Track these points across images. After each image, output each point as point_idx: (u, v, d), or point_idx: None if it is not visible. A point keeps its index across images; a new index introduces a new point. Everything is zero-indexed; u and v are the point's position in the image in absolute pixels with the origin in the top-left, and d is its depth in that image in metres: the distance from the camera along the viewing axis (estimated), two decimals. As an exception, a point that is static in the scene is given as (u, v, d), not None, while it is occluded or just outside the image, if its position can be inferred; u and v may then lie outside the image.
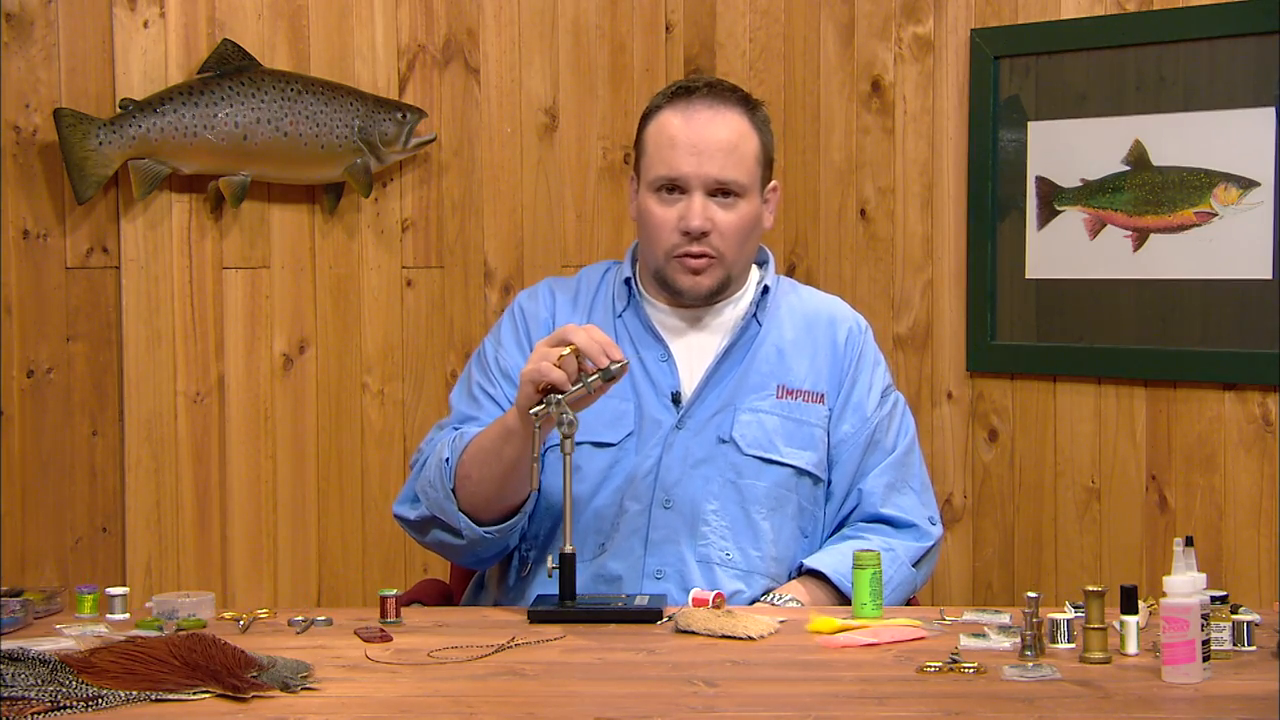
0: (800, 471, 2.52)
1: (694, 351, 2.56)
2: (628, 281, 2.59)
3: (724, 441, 2.50)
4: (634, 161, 2.60)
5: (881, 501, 2.54)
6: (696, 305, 2.56)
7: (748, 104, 2.54)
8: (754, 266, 2.63)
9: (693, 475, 2.49)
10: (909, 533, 2.54)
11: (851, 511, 2.56)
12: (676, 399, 2.52)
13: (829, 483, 2.56)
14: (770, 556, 2.49)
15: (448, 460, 2.45)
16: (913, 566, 2.51)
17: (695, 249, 2.48)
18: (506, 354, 2.58)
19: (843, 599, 2.42)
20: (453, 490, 2.43)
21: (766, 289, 2.58)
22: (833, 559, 2.47)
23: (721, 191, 2.48)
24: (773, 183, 2.58)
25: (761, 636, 2.12)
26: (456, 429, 2.55)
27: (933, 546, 2.56)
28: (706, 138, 2.48)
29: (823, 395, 2.56)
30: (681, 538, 2.47)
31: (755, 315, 2.57)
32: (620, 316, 2.58)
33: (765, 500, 2.49)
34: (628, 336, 2.55)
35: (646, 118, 2.56)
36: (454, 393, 2.65)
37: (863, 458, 2.55)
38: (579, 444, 2.38)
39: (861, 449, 2.55)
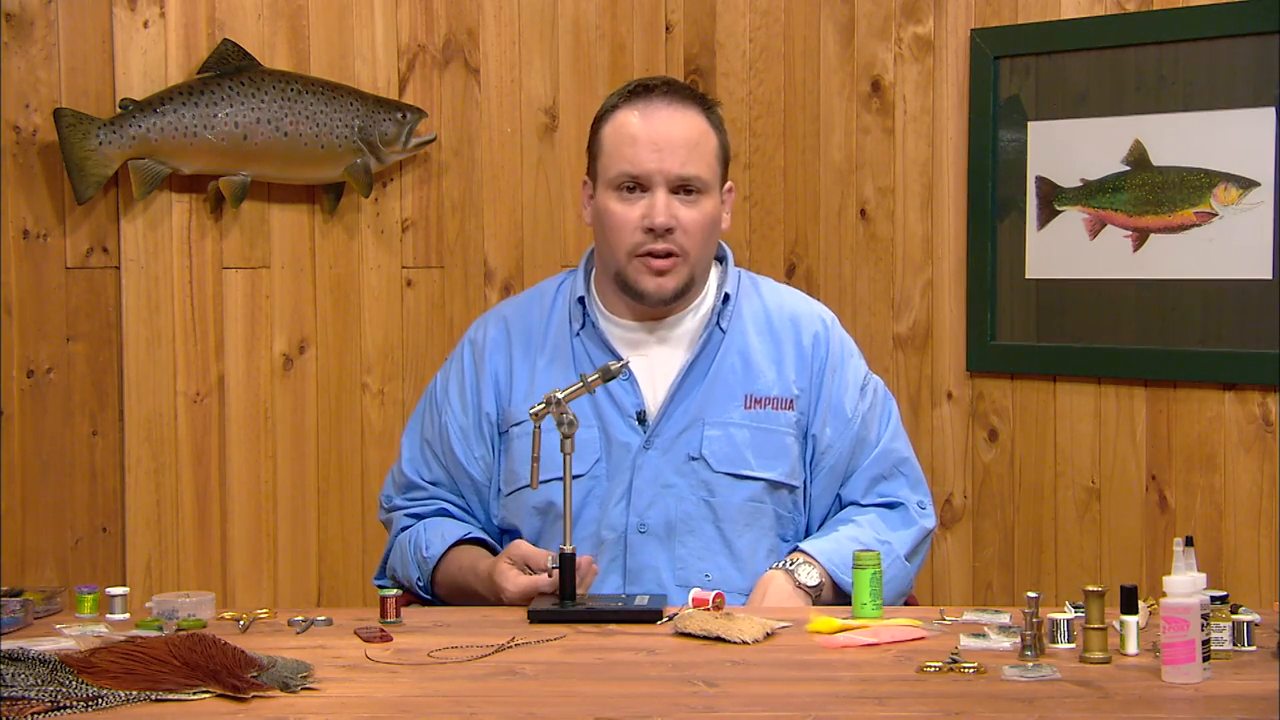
0: (774, 484, 2.49)
1: (656, 367, 2.50)
2: (581, 300, 2.54)
3: (694, 459, 2.46)
4: (588, 165, 2.54)
5: (865, 494, 2.52)
6: (656, 312, 2.50)
7: (705, 104, 2.51)
8: (713, 264, 2.58)
9: (664, 496, 2.46)
10: (898, 515, 2.51)
11: (841, 509, 2.54)
12: (642, 418, 2.48)
13: (809, 487, 2.52)
14: (751, 572, 2.45)
15: (419, 580, 2.53)
16: (906, 560, 2.48)
17: (660, 247, 2.43)
18: (452, 412, 2.57)
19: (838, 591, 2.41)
20: (435, 595, 2.55)
21: (728, 296, 2.53)
22: (829, 544, 2.44)
23: (684, 188, 2.44)
24: (729, 184, 2.53)
25: (755, 641, 2.12)
26: (410, 514, 2.59)
27: (925, 536, 2.53)
28: (667, 133, 2.44)
29: (792, 401, 2.50)
30: (660, 562, 2.45)
31: (718, 323, 2.52)
32: (577, 335, 2.53)
33: (739, 517, 2.46)
34: (586, 356, 2.51)
35: (601, 119, 2.51)
36: (407, 431, 2.65)
37: (850, 459, 2.53)
38: (548, 481, 2.39)
39: (848, 453, 2.52)
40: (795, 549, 2.46)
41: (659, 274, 2.45)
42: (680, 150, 2.43)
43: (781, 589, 2.38)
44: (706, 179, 2.45)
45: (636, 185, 2.44)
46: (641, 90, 2.48)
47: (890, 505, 2.53)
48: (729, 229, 2.57)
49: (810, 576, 2.39)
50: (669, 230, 2.43)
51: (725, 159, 2.52)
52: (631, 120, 2.46)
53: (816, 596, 2.39)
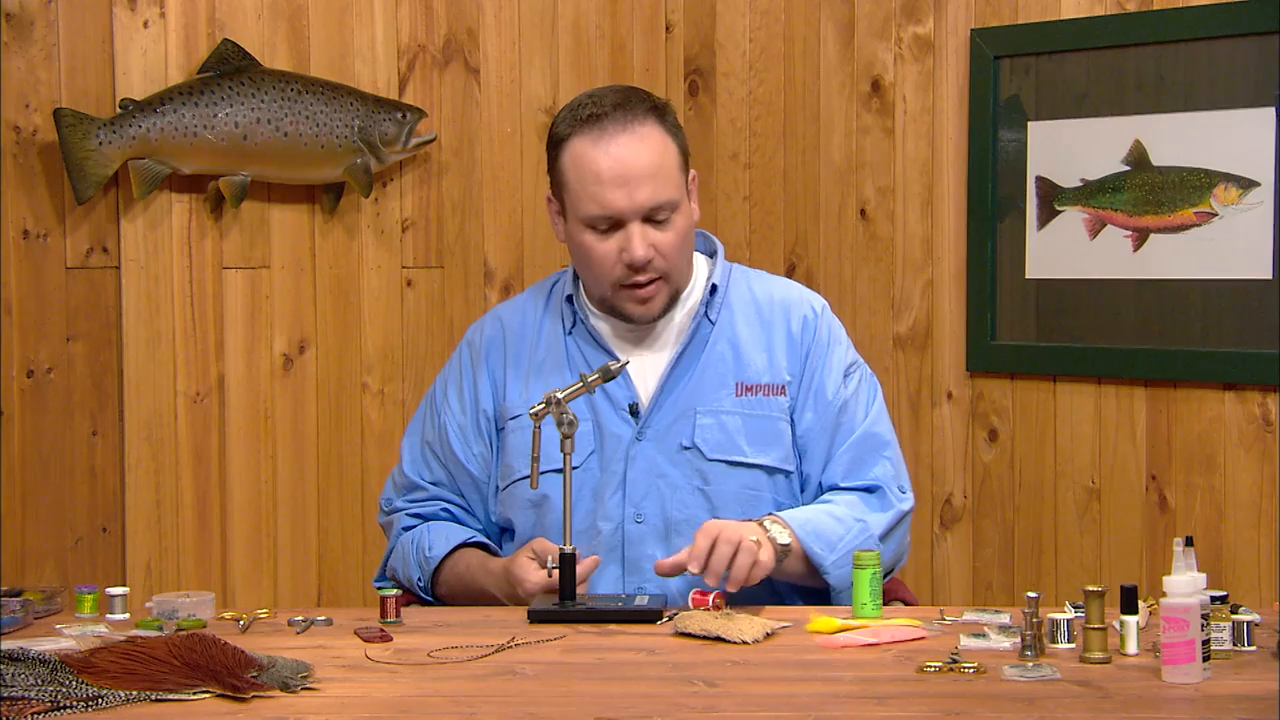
0: (769, 470, 2.49)
1: (647, 360, 2.52)
2: (570, 299, 2.56)
3: (687, 448, 2.47)
4: (551, 185, 2.53)
5: (845, 476, 2.51)
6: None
7: (657, 111, 2.48)
8: (703, 258, 2.59)
9: (659, 486, 2.47)
10: (877, 498, 2.50)
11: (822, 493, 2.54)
12: (634, 410, 2.49)
13: (800, 473, 2.53)
14: None
15: (419, 580, 2.52)
16: (880, 540, 2.46)
17: (642, 278, 2.44)
18: (451, 411, 2.58)
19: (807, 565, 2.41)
20: (435, 597, 2.53)
21: (715, 287, 2.54)
22: (801, 514, 2.43)
23: (655, 213, 2.44)
24: (692, 174, 2.52)
25: (756, 641, 2.12)
26: (411, 515, 2.59)
27: (902, 518, 2.51)
28: (630, 167, 2.42)
29: (783, 386, 2.51)
30: (657, 552, 2.44)
31: (706, 314, 2.53)
32: (569, 334, 2.55)
33: (735, 504, 2.46)
34: (579, 353, 2.52)
35: (558, 145, 2.49)
36: (407, 435, 2.65)
37: (830, 443, 2.52)
38: (544, 473, 2.39)
39: (829, 435, 2.52)
40: (769, 514, 2.45)
41: (643, 300, 2.47)
42: (646, 182, 2.42)
43: (745, 524, 2.36)
44: (675, 199, 2.45)
45: (608, 222, 2.45)
46: (593, 118, 2.45)
47: (869, 489, 2.52)
48: (699, 216, 2.55)
49: (781, 535, 2.37)
50: (648, 261, 2.44)
51: (685, 158, 2.51)
52: (591, 156, 2.44)
53: (783, 558, 2.37)
